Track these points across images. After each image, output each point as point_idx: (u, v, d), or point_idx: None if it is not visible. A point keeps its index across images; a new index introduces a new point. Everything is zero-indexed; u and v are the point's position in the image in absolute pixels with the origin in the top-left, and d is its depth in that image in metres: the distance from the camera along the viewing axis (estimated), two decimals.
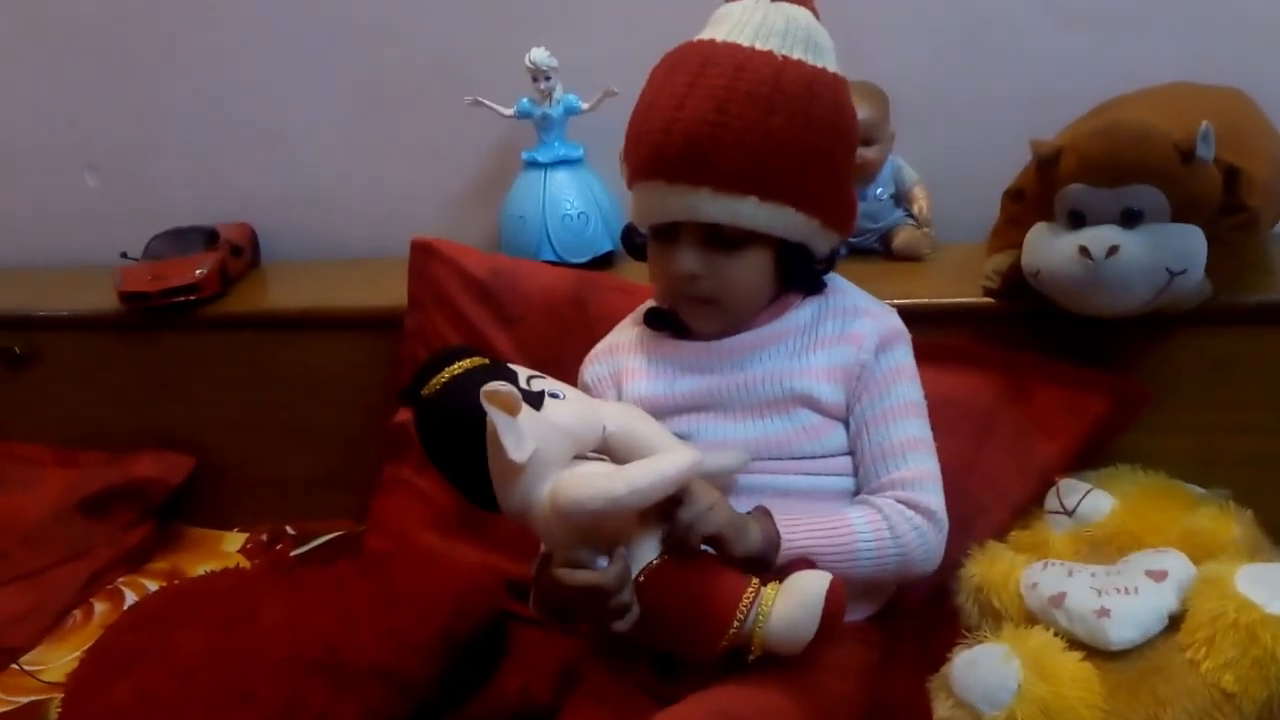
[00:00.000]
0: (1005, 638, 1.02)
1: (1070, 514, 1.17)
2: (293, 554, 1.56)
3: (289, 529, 1.61)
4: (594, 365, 1.19)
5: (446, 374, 1.01)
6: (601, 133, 1.58)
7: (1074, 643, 1.01)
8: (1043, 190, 1.20)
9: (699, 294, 1.09)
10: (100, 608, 1.51)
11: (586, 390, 1.17)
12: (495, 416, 0.95)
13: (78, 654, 1.36)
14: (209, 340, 1.66)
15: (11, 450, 1.75)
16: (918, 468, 1.08)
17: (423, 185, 1.74)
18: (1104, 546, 1.13)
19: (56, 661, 1.41)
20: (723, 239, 1.05)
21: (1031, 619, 1.04)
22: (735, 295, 1.09)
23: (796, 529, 1.02)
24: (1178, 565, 1.04)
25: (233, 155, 1.84)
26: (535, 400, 0.99)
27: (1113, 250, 1.13)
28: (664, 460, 0.96)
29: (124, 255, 1.71)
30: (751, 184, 1.02)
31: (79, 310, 1.73)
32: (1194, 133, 1.11)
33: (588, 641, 1.14)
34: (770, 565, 1.01)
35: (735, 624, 0.97)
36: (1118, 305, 1.17)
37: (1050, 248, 1.18)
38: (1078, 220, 1.17)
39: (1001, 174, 1.36)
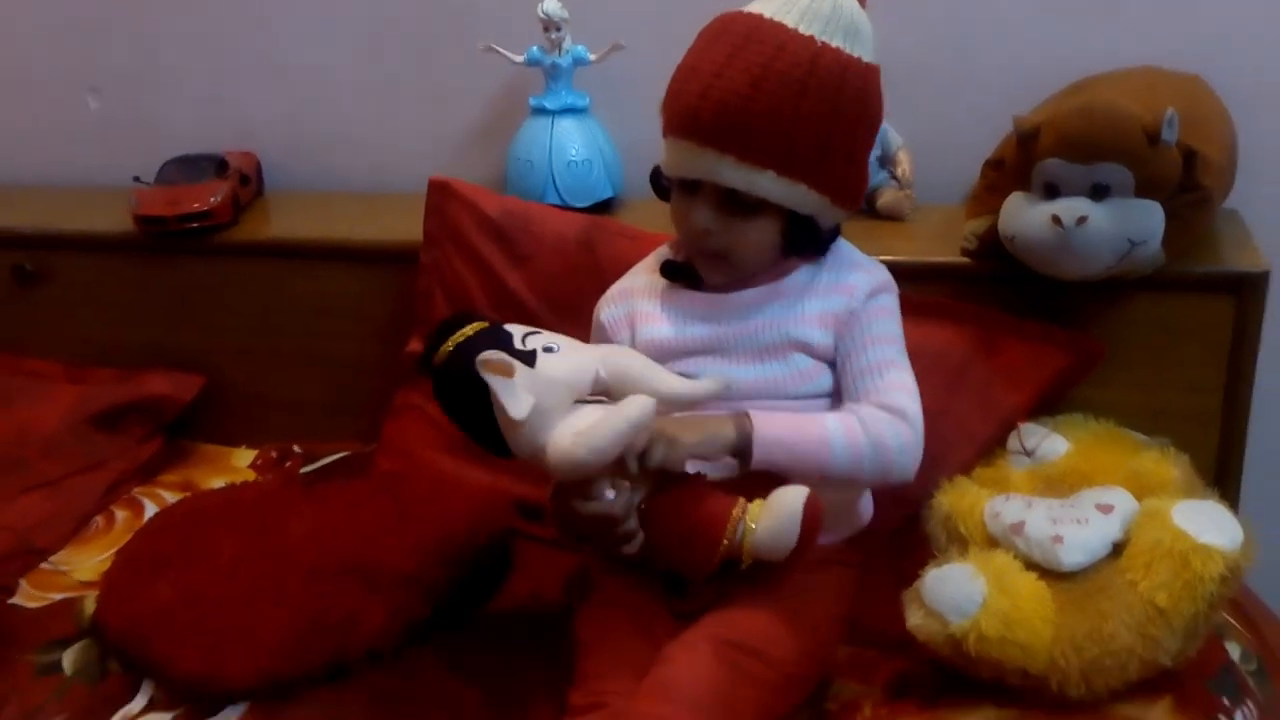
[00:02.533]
0: (971, 559, 1.14)
1: (1030, 454, 1.30)
2: (301, 471, 1.66)
3: (296, 448, 1.71)
4: (610, 307, 1.28)
5: (450, 343, 1.12)
6: (607, 84, 1.67)
7: (1031, 564, 1.14)
8: (1021, 162, 1.31)
9: (710, 248, 1.18)
10: (121, 514, 1.58)
11: (601, 329, 1.27)
12: (493, 382, 1.06)
13: (106, 555, 1.46)
14: (222, 266, 1.72)
15: (21, 365, 1.79)
16: (893, 379, 1.17)
17: (428, 125, 1.80)
18: (1058, 483, 1.25)
19: (85, 562, 1.48)
20: (739, 202, 1.14)
21: (994, 544, 1.17)
22: (743, 254, 1.18)
23: (772, 422, 1.12)
24: (1123, 501, 1.17)
25: (238, 85, 1.87)
26: (529, 359, 1.09)
27: (1082, 220, 1.25)
28: (615, 416, 1.06)
29: (136, 179, 1.75)
30: (773, 159, 1.11)
31: (91, 231, 1.77)
32: (1160, 118, 1.22)
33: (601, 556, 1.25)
34: (749, 458, 1.11)
35: (726, 540, 1.08)
36: (1083, 270, 1.30)
37: (1025, 215, 1.30)
38: (1052, 191, 1.28)
39: (979, 142, 1.48)
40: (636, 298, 1.27)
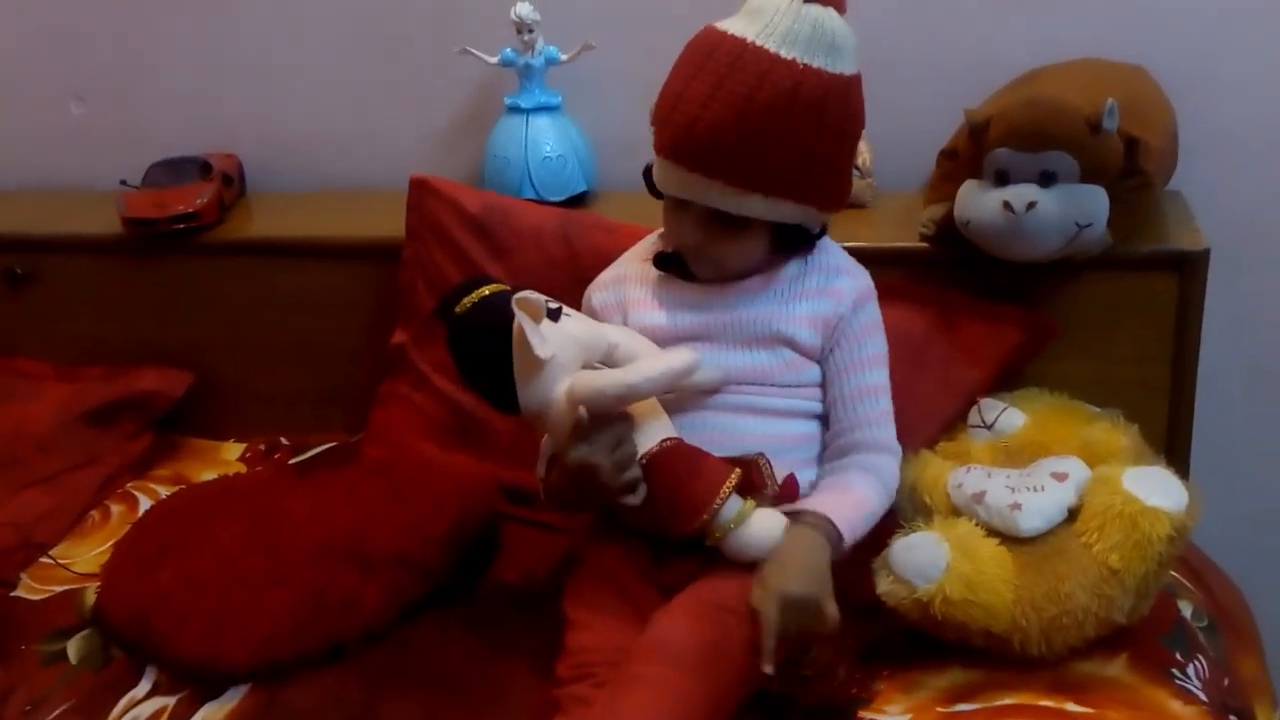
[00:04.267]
0: (935, 527, 1.20)
1: (989, 428, 1.36)
2: (291, 462, 1.70)
3: (284, 440, 1.76)
4: (601, 292, 1.34)
5: (477, 295, 1.19)
6: (578, 83, 1.72)
7: (991, 531, 1.20)
8: (974, 152, 1.37)
9: (699, 259, 1.25)
10: (116, 509, 1.62)
11: (593, 314, 1.32)
12: (524, 320, 1.12)
13: (104, 548, 1.50)
14: (208, 265, 1.75)
15: (13, 365, 1.82)
16: (884, 409, 1.27)
17: (406, 125, 1.84)
18: (1017, 454, 1.32)
19: (84, 555, 1.52)
20: (727, 219, 1.20)
21: (956, 512, 1.23)
22: (731, 263, 1.25)
23: (840, 513, 1.18)
24: (1077, 469, 1.23)
25: (220, 88, 1.91)
26: (554, 314, 1.17)
27: (1031, 205, 1.31)
28: (670, 356, 1.15)
29: (123, 183, 1.79)
30: (759, 183, 1.16)
31: (80, 233, 1.80)
32: (1101, 108, 1.29)
33: (587, 530, 1.30)
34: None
35: (716, 504, 1.14)
36: (1034, 252, 1.36)
37: (978, 202, 1.36)
38: (1002, 179, 1.35)
39: (935, 133, 1.54)
40: (629, 284, 1.32)
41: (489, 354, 1.17)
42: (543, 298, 1.18)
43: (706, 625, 1.11)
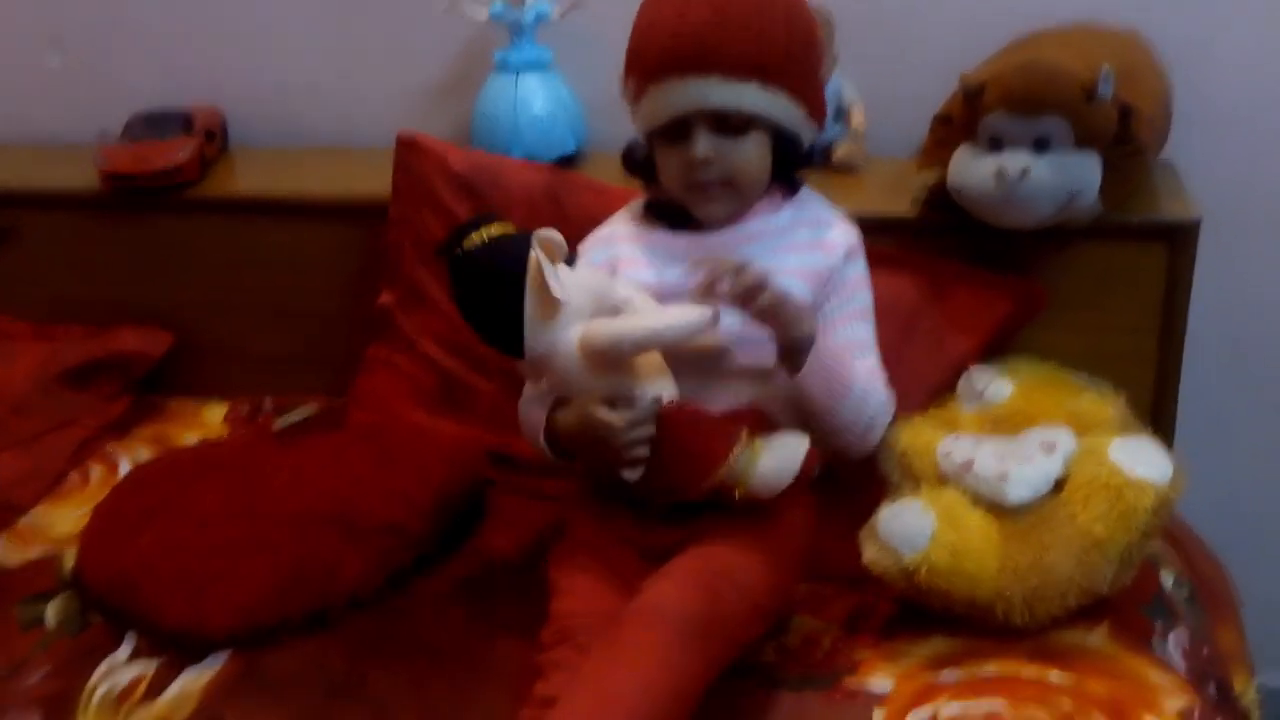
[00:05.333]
0: (923, 495, 1.20)
1: (978, 396, 1.35)
2: (275, 426, 1.68)
3: (267, 402, 1.73)
4: (592, 251, 1.31)
5: (486, 233, 1.16)
6: (569, 40, 1.70)
7: (978, 500, 1.20)
8: (968, 117, 1.36)
9: (713, 177, 1.23)
10: (96, 471, 1.61)
11: None
12: (543, 259, 1.11)
13: (83, 510, 1.48)
14: (190, 222, 1.73)
15: None
16: (869, 362, 1.27)
17: (393, 80, 1.81)
18: (1005, 424, 1.30)
19: (62, 519, 1.50)
20: (729, 127, 1.21)
21: (944, 480, 1.23)
22: (745, 174, 1.24)
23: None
24: (1064, 439, 1.23)
25: (202, 39, 1.87)
26: (570, 259, 1.17)
27: (1024, 172, 1.31)
28: (692, 307, 1.13)
29: (102, 134, 1.75)
30: (753, 70, 1.18)
31: (57, 188, 1.77)
32: (1097, 74, 1.28)
33: (572, 497, 1.30)
34: (799, 363, 1.18)
35: (727, 465, 1.14)
36: (1026, 220, 1.36)
37: (972, 168, 1.36)
38: (996, 145, 1.34)
39: (928, 97, 1.52)
40: (618, 242, 1.31)
41: (495, 293, 1.14)
42: (563, 239, 1.17)
43: (699, 593, 1.11)
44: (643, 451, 1.14)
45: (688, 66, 1.18)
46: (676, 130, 1.22)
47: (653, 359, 1.18)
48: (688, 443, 1.15)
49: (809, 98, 1.25)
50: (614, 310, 1.18)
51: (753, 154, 1.24)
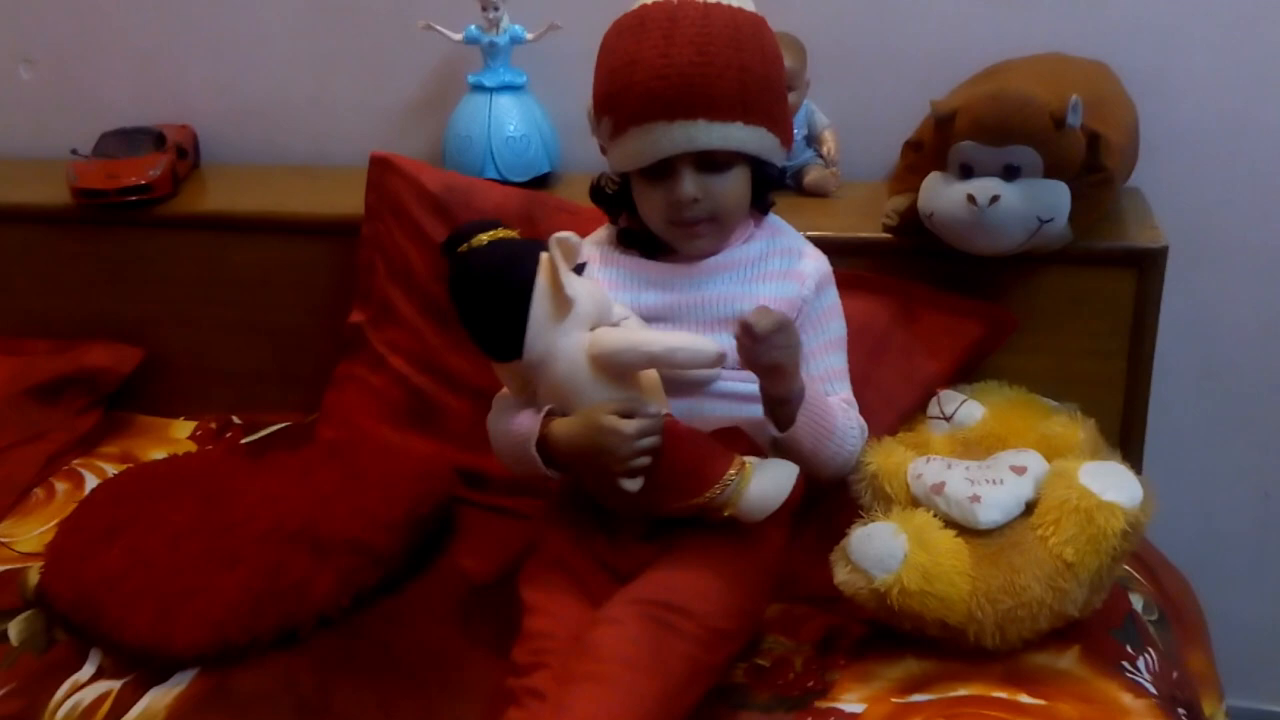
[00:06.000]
0: (894, 517, 1.20)
1: (948, 419, 1.37)
2: (243, 442, 1.68)
3: (235, 419, 1.73)
4: None
5: (490, 236, 1.17)
6: (544, 63, 1.71)
7: (949, 522, 1.20)
8: (939, 144, 1.37)
9: (700, 215, 1.24)
10: (61, 486, 1.59)
11: None
12: (559, 257, 1.12)
13: (48, 526, 1.47)
14: (161, 238, 1.72)
15: None
16: (844, 393, 1.29)
17: (366, 99, 1.82)
18: (975, 446, 1.32)
19: (27, 534, 1.49)
20: (712, 164, 1.22)
21: (915, 503, 1.23)
22: (728, 208, 1.25)
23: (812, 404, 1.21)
24: (1035, 462, 1.24)
25: (175, 56, 1.87)
26: (579, 268, 1.17)
27: (994, 199, 1.32)
28: (700, 338, 1.14)
29: (74, 152, 1.75)
30: (737, 111, 1.19)
31: (28, 203, 1.76)
32: (1066, 103, 1.29)
33: (543, 515, 1.30)
34: (789, 418, 1.19)
35: (720, 485, 1.14)
36: (996, 246, 1.37)
37: (942, 194, 1.37)
38: (967, 172, 1.35)
39: (900, 123, 1.54)
40: (591, 267, 1.31)
41: (501, 290, 1.14)
42: (579, 240, 1.18)
43: (647, 624, 1.11)
44: (645, 462, 1.14)
45: (675, 111, 1.18)
46: (659, 168, 1.22)
47: (652, 375, 1.19)
48: (685, 459, 1.15)
49: (782, 126, 1.26)
50: (613, 325, 1.18)
51: (736, 188, 1.24)
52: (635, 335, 1.15)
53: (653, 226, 1.28)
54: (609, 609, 1.14)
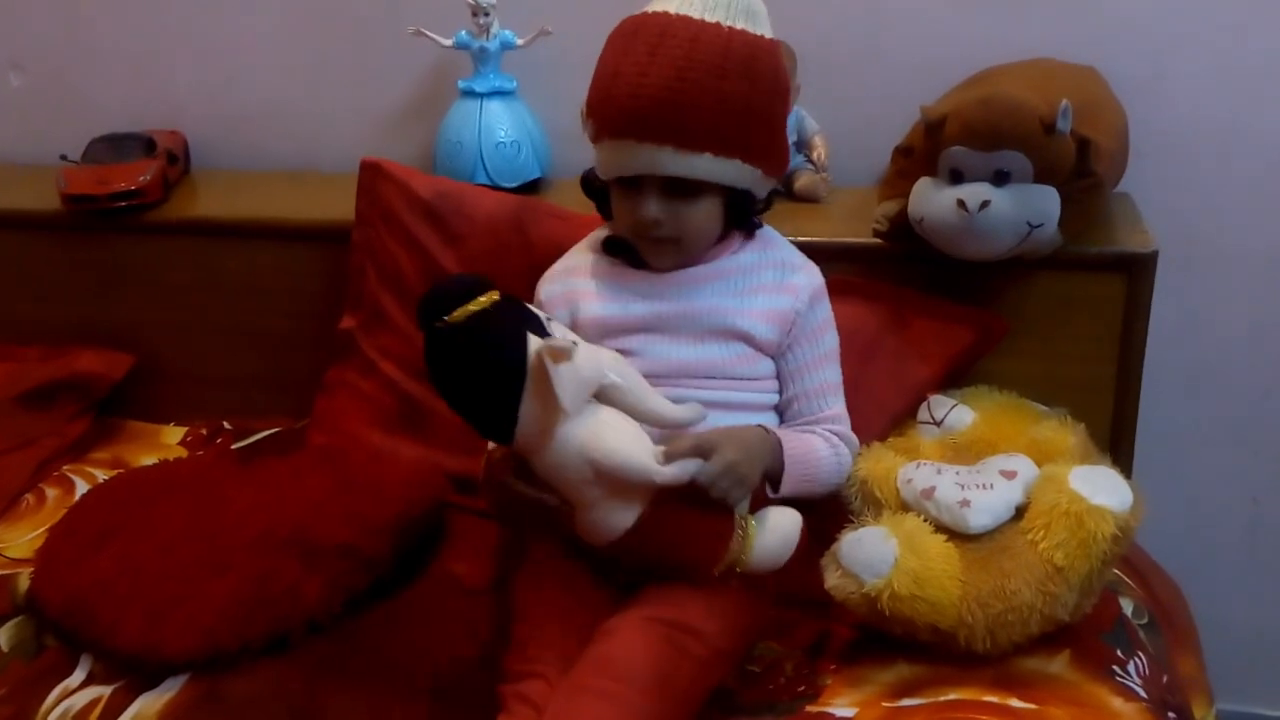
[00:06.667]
0: (884, 522, 1.20)
1: (939, 424, 1.37)
2: (234, 447, 1.67)
3: (226, 424, 1.73)
4: (549, 284, 1.32)
5: (473, 306, 1.09)
6: (534, 68, 1.71)
7: (940, 527, 1.20)
8: (929, 149, 1.38)
9: (662, 235, 1.23)
10: (52, 492, 1.59)
11: (540, 306, 1.29)
12: (553, 371, 1.06)
13: (39, 532, 1.46)
14: (151, 244, 1.72)
15: None
16: (838, 407, 1.29)
17: (357, 105, 1.82)
18: (965, 451, 1.32)
19: (17, 540, 1.48)
20: (681, 188, 1.20)
21: (906, 508, 1.23)
22: (692, 235, 1.24)
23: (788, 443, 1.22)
24: (1025, 467, 1.24)
25: (165, 62, 1.87)
26: (541, 328, 1.12)
27: (985, 204, 1.32)
28: (689, 464, 1.11)
29: (63, 158, 1.74)
30: (707, 142, 1.17)
31: (18, 209, 1.76)
32: (1056, 108, 1.30)
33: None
34: (777, 482, 1.21)
35: (726, 558, 1.14)
36: (986, 251, 1.37)
37: (933, 199, 1.37)
38: (957, 177, 1.35)
39: (890, 129, 1.54)
40: (576, 276, 1.31)
41: (479, 378, 1.09)
42: (542, 314, 1.15)
43: (660, 645, 1.11)
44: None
45: (644, 133, 1.17)
46: (631, 181, 1.22)
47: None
48: (683, 548, 1.15)
49: (766, 156, 1.23)
50: (603, 393, 1.14)
51: (702, 216, 1.23)
52: (625, 460, 1.10)
53: (622, 233, 1.29)
54: (620, 622, 1.13)
